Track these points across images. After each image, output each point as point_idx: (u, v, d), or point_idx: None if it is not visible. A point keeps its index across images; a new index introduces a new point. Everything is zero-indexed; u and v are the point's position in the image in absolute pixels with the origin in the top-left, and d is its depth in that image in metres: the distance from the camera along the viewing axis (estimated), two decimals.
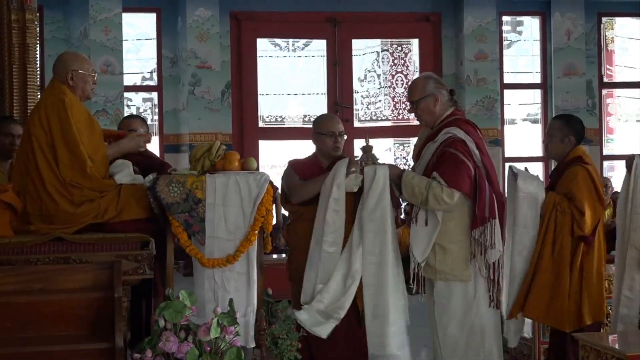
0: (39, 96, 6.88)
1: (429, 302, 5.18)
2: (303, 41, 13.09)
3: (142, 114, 11.99)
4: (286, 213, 5.94)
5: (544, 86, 13.40)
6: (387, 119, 13.23)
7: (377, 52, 13.35)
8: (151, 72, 12.76)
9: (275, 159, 12.71)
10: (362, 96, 13.26)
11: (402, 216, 10.16)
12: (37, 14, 6.90)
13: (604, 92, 13.74)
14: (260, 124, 12.79)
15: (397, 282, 5.24)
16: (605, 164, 13.70)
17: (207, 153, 4.92)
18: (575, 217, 5.44)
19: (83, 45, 11.71)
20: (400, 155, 13.37)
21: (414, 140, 13.14)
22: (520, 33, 13.81)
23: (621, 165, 10.13)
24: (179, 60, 12.42)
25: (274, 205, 4.96)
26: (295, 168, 5.69)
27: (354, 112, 13.02)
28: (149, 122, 9.92)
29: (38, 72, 6.96)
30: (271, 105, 12.98)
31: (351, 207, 5.33)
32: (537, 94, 13.61)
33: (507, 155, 13.18)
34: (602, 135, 13.60)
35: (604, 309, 5.59)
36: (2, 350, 4.28)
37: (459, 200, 5.00)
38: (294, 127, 12.89)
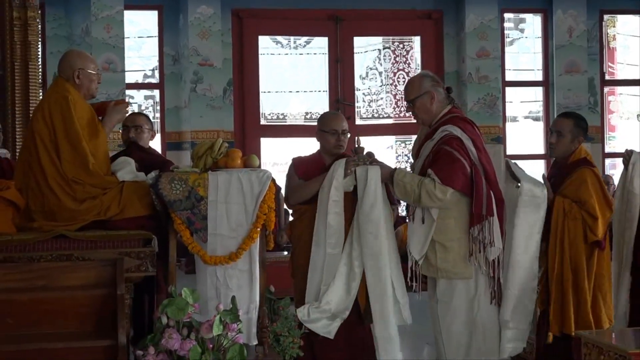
0: (40, 93, 6.89)
1: (432, 300, 5.18)
2: (305, 38, 13.08)
3: (144, 112, 11.98)
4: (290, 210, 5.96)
5: (546, 84, 13.39)
6: (388, 117, 13.23)
7: (378, 49, 13.34)
8: (153, 70, 12.76)
9: (277, 156, 12.72)
10: (363, 94, 13.26)
11: (403, 214, 10.15)
12: (39, 12, 6.92)
13: (606, 89, 13.73)
14: (262, 122, 12.79)
15: (398, 281, 5.25)
16: (607, 161, 13.69)
17: (210, 150, 4.93)
18: (589, 223, 5.39)
19: (85, 42, 11.71)
20: (402, 152, 13.37)
21: (415, 138, 13.13)
22: (522, 30, 13.80)
23: None
24: (180, 58, 12.42)
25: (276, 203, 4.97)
26: (297, 166, 5.69)
27: (356, 109, 13.02)
28: (151, 119, 9.93)
29: (40, 70, 6.97)
30: (273, 102, 12.98)
31: (350, 207, 5.35)
32: (538, 91, 13.60)
33: (508, 152, 13.17)
34: (604, 133, 13.59)
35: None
36: (5, 348, 4.29)
37: (454, 197, 4.99)
38: (295, 124, 12.89)
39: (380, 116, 13.23)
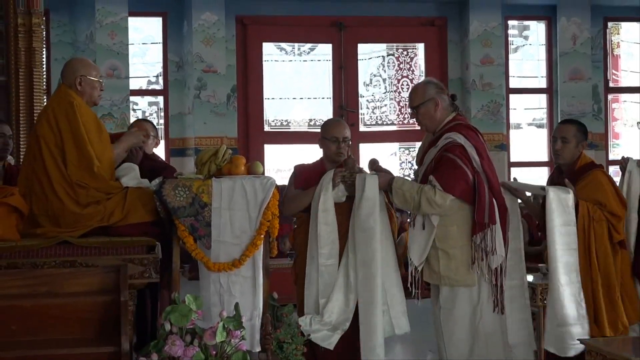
0: (45, 100, 6.91)
1: (435, 307, 5.17)
2: (309, 45, 13.09)
3: (148, 118, 11.99)
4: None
5: (550, 91, 13.38)
6: (392, 124, 13.23)
7: (382, 56, 13.34)
8: (157, 76, 12.77)
9: (280, 163, 12.71)
10: (367, 100, 13.26)
11: (409, 220, 10.14)
12: (44, 18, 6.95)
13: (610, 97, 13.72)
14: (266, 128, 12.79)
15: (394, 289, 5.26)
16: (611, 168, 13.63)
17: (214, 157, 4.93)
18: (613, 223, 5.46)
19: (89, 49, 11.73)
20: (406, 159, 13.36)
21: (419, 144, 13.11)
22: (526, 38, 13.80)
23: None
24: (184, 64, 12.43)
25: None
26: (298, 174, 5.70)
27: (360, 116, 13.02)
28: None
29: (44, 76, 6.99)
30: (277, 109, 12.98)
31: (344, 217, 5.35)
32: (542, 98, 13.59)
33: (512, 160, 13.17)
34: (608, 140, 13.57)
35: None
36: (8, 354, 4.29)
37: (455, 204, 4.99)
38: (299, 131, 12.89)
39: (384, 123, 13.23)
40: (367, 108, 13.24)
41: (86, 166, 4.88)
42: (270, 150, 12.79)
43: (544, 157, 13.34)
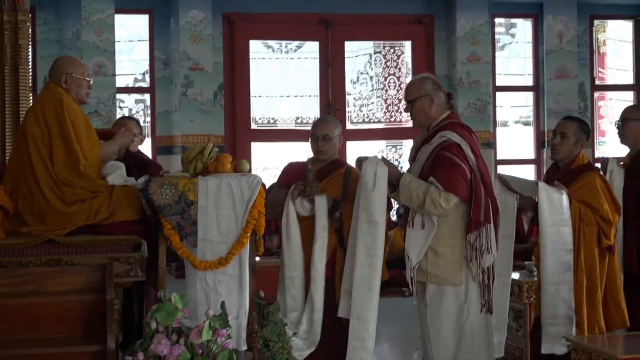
0: (31, 97, 6.88)
1: (421, 304, 5.18)
2: (296, 43, 13.08)
3: (135, 116, 11.95)
4: None
5: (536, 88, 13.41)
6: (379, 121, 13.22)
7: (369, 54, 13.34)
8: (143, 74, 12.73)
9: (267, 161, 12.70)
10: (354, 98, 13.26)
11: (394, 218, 10.15)
12: (30, 15, 6.90)
13: (596, 94, 13.76)
14: (253, 126, 12.77)
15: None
16: (597, 166, 13.66)
17: (200, 155, 4.93)
18: (603, 228, 5.46)
19: (75, 46, 11.69)
20: (393, 157, 13.36)
21: (406, 142, 13.16)
22: (513, 35, 13.82)
23: None
24: (171, 62, 12.40)
25: None
26: (284, 171, 5.82)
27: (347, 114, 13.02)
28: (141, 123, 9.88)
29: (30, 73, 6.95)
30: (264, 107, 12.96)
31: (308, 231, 5.42)
32: (529, 96, 13.62)
33: (499, 157, 13.19)
34: (594, 138, 13.61)
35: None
36: None
37: (453, 205, 5.00)
38: (286, 129, 12.87)
39: (371, 121, 13.23)
40: (354, 106, 13.23)
41: (73, 165, 4.86)
42: (257, 149, 12.77)
43: (531, 155, 13.38)
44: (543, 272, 5.45)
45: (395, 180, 5.11)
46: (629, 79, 13.88)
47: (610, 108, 14.06)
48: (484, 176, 5.10)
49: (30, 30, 6.99)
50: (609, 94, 14.06)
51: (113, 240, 4.80)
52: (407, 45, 13.20)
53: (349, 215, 5.39)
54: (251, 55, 12.71)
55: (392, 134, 13.21)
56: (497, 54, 13.47)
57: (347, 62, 13.08)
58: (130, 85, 12.78)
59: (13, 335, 4.43)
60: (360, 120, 13.22)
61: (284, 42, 13.04)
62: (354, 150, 12.26)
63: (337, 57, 12.89)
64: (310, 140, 5.73)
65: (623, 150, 6.43)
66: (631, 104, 12.86)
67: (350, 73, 13.18)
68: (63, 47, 11.75)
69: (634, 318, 5.62)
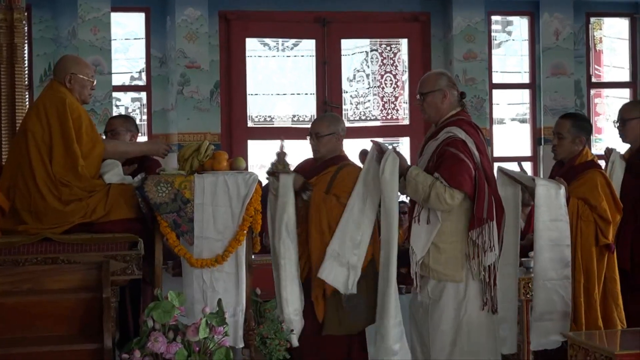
0: (27, 95, 6.87)
1: (421, 299, 5.16)
2: (292, 41, 13.06)
3: (131, 114, 11.95)
4: None
5: (533, 86, 13.41)
6: (376, 119, 13.21)
7: (366, 52, 13.33)
8: (140, 72, 12.71)
9: (264, 158, 12.68)
10: (351, 96, 13.25)
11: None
12: (25, 14, 6.89)
13: (592, 92, 13.76)
14: (249, 124, 12.76)
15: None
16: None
17: (196, 153, 4.92)
18: (601, 226, 5.44)
19: (71, 45, 11.67)
20: None
21: (403, 140, 13.17)
22: (509, 33, 13.82)
23: None
24: (167, 60, 12.39)
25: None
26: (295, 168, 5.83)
27: (343, 112, 13.00)
28: (137, 122, 9.88)
29: (26, 72, 6.94)
30: (260, 105, 12.95)
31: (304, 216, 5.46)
32: (525, 93, 13.62)
33: (495, 154, 13.19)
34: (591, 135, 13.61)
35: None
36: None
37: (457, 201, 4.99)
38: (283, 126, 12.86)
39: (368, 118, 13.22)
40: (351, 104, 13.23)
41: (71, 165, 4.86)
42: (254, 146, 12.76)
43: (527, 152, 13.38)
44: (536, 268, 5.43)
45: (403, 171, 5.11)
46: (625, 77, 13.88)
47: (607, 105, 14.07)
48: (488, 174, 5.12)
49: (26, 28, 6.97)
50: (605, 92, 14.06)
51: (109, 239, 4.80)
52: (404, 43, 13.19)
53: (316, 201, 5.43)
54: (247, 53, 12.69)
55: (388, 131, 13.19)
56: (494, 51, 13.46)
57: (343, 59, 13.07)
58: (127, 83, 12.76)
59: (9, 334, 4.43)
60: (357, 117, 13.21)
61: (280, 40, 13.02)
62: (351, 148, 12.24)
63: (334, 55, 12.88)
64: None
65: (623, 147, 6.44)
66: (627, 101, 12.84)
67: (346, 71, 13.17)
68: (59, 45, 11.73)
69: (625, 313, 5.61)
